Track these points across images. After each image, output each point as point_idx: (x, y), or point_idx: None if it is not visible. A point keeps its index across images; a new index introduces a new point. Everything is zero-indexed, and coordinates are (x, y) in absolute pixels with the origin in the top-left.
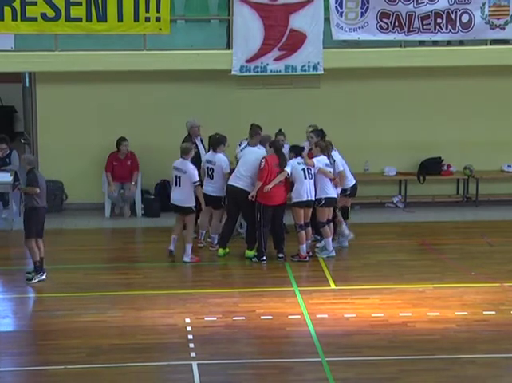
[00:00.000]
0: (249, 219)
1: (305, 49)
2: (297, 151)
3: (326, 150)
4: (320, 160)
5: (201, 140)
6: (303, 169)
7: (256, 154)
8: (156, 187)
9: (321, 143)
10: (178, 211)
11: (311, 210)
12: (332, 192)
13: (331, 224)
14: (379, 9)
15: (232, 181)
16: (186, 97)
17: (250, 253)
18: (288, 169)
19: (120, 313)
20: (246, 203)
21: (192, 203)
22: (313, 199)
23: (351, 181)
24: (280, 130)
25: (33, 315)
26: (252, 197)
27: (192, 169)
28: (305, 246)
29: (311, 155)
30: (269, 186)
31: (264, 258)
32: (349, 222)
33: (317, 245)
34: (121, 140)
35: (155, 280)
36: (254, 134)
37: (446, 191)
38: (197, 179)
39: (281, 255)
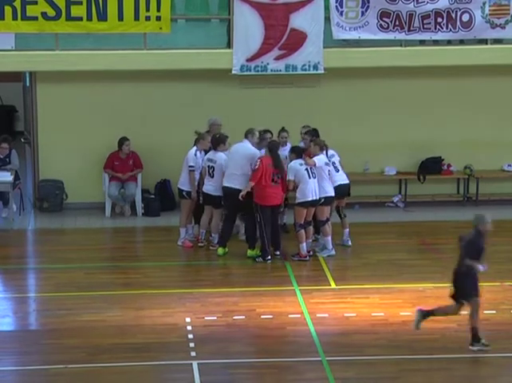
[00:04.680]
0: (247, 218)
1: (306, 48)
2: (298, 152)
3: (325, 148)
4: (320, 159)
5: None
6: (306, 169)
7: (241, 152)
8: (156, 187)
9: (319, 140)
10: (179, 195)
11: (314, 209)
12: (331, 191)
13: (330, 223)
14: (379, 8)
15: (226, 182)
16: (186, 97)
17: (252, 252)
18: (291, 177)
19: (120, 312)
20: (243, 202)
21: (186, 187)
22: (318, 197)
23: (336, 182)
24: (283, 128)
25: (34, 315)
26: (242, 197)
27: (190, 153)
28: (305, 245)
29: (309, 155)
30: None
31: (269, 257)
32: (349, 222)
33: (317, 244)
34: (123, 140)
35: (156, 279)
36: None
37: (446, 191)
38: (190, 163)
39: (278, 253)
